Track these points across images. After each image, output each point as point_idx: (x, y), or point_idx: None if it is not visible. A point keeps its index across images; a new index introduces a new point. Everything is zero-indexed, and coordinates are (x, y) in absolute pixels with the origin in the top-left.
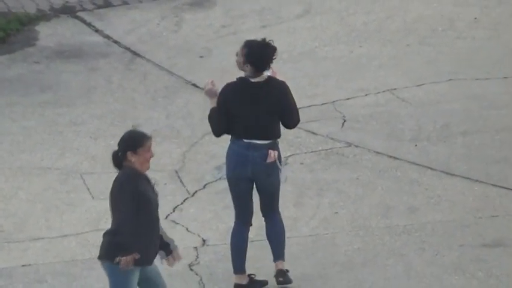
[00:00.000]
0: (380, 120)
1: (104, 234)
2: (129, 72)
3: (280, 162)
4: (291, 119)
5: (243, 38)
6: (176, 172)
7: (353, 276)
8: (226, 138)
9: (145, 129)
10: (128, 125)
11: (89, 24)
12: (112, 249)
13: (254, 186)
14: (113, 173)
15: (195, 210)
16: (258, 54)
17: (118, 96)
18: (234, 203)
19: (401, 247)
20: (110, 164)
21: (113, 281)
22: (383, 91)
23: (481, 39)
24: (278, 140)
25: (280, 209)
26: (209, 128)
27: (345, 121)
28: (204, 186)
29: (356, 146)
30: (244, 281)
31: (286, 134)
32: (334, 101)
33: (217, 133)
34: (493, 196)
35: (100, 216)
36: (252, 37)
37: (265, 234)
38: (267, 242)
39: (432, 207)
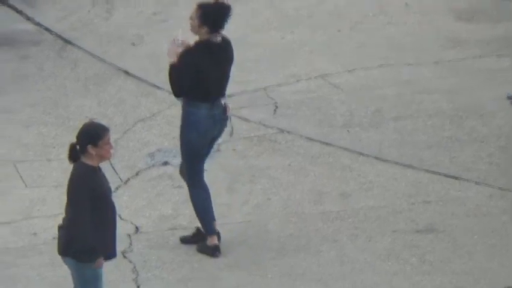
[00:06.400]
0: (311, 106)
1: (60, 228)
2: (60, 60)
3: None
4: None
5: (175, 25)
6: (109, 159)
7: (286, 262)
8: (158, 125)
9: (77, 116)
10: (61, 112)
11: (20, 12)
12: (70, 244)
13: None
14: (45, 161)
15: (128, 197)
16: (214, 14)
17: (50, 84)
18: (197, 168)
19: (334, 233)
20: (43, 151)
21: (81, 276)
22: (315, 77)
23: (411, 24)
24: None
25: (212, 196)
26: (141, 115)
27: (277, 107)
28: (137, 174)
29: (288, 132)
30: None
31: None
32: (265, 88)
33: (179, 93)
34: (425, 182)
35: (33, 205)
36: (183, 24)
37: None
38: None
39: (364, 193)
